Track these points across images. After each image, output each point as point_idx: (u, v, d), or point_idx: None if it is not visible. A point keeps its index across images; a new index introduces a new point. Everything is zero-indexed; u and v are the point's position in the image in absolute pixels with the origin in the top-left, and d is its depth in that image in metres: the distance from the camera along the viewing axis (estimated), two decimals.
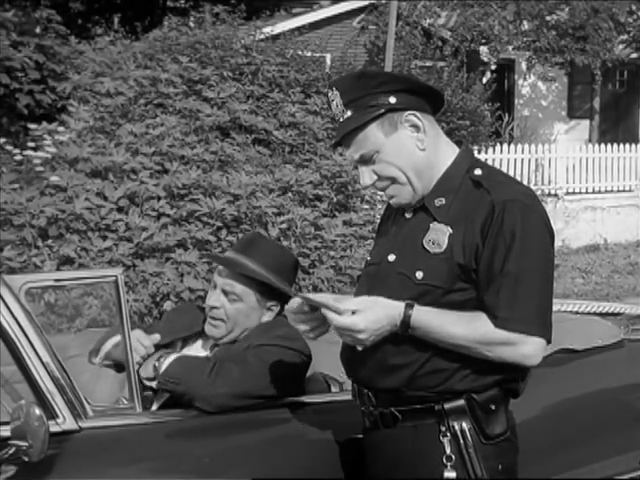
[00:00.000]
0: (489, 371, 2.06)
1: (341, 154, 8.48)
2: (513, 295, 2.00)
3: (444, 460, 2.07)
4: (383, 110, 2.09)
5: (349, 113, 2.11)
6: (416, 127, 2.12)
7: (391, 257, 2.16)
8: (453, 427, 2.08)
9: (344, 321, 2.02)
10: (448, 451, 2.07)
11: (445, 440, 2.07)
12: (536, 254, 2.03)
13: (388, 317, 2.03)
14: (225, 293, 2.64)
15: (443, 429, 2.08)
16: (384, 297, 2.09)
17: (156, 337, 2.55)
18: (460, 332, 2.02)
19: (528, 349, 2.02)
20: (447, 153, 2.17)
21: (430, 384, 2.08)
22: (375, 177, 2.14)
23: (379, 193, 2.30)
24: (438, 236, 2.08)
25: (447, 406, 2.08)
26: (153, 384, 2.42)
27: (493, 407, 2.09)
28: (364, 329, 2.02)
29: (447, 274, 2.05)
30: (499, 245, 2.01)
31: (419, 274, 2.07)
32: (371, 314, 2.03)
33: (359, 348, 2.08)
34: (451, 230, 2.07)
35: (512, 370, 2.07)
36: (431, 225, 2.10)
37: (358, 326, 2.02)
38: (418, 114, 2.11)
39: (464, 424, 2.08)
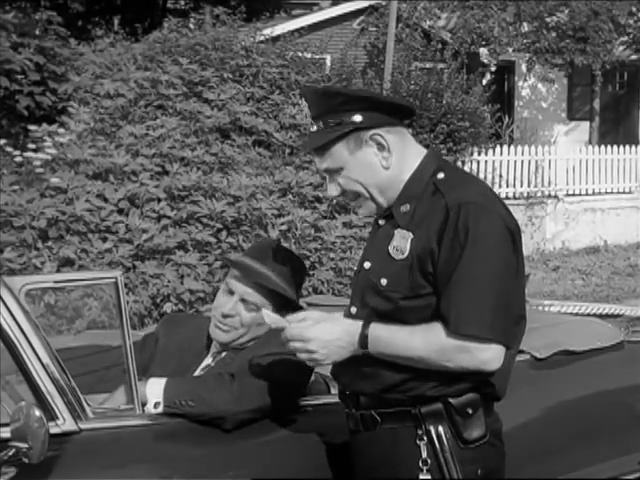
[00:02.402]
0: (459, 377, 2.05)
1: None
2: (465, 298, 1.98)
3: (420, 464, 2.07)
4: (348, 129, 2.10)
5: (317, 126, 2.14)
6: (381, 146, 2.12)
7: (366, 264, 2.18)
8: (430, 431, 2.07)
9: (293, 330, 2.08)
10: (424, 455, 2.07)
11: (421, 444, 2.07)
12: (491, 255, 2.00)
13: (343, 332, 2.07)
14: (244, 302, 2.60)
15: (420, 433, 2.08)
16: (359, 305, 2.15)
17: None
18: (417, 344, 2.01)
19: (485, 355, 1.99)
20: (414, 161, 2.16)
21: (404, 390, 2.08)
22: (340, 189, 2.18)
23: None
24: (401, 242, 2.08)
25: (424, 410, 2.08)
26: (159, 410, 2.31)
27: (470, 411, 2.08)
28: (313, 338, 2.05)
29: (409, 280, 2.05)
30: (455, 249, 2.00)
31: (384, 281, 2.09)
32: (323, 325, 2.08)
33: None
34: (412, 235, 2.07)
35: (483, 374, 2.05)
36: (395, 232, 2.11)
37: (306, 334, 2.06)
38: (383, 133, 2.11)
39: (440, 428, 2.07)
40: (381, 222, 2.19)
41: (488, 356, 2.00)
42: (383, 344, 2.05)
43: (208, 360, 2.68)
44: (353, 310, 2.19)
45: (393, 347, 2.04)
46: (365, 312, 2.13)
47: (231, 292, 2.62)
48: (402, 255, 2.07)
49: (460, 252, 1.99)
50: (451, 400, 2.07)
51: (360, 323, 2.07)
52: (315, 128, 2.16)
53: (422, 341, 2.02)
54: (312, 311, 2.19)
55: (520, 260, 2.10)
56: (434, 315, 2.04)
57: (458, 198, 2.03)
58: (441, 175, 2.12)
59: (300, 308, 2.69)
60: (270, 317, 2.18)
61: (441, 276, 2.02)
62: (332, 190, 2.19)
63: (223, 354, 2.66)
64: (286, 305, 2.61)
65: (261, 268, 2.61)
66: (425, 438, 2.07)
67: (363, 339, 2.05)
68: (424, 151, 2.19)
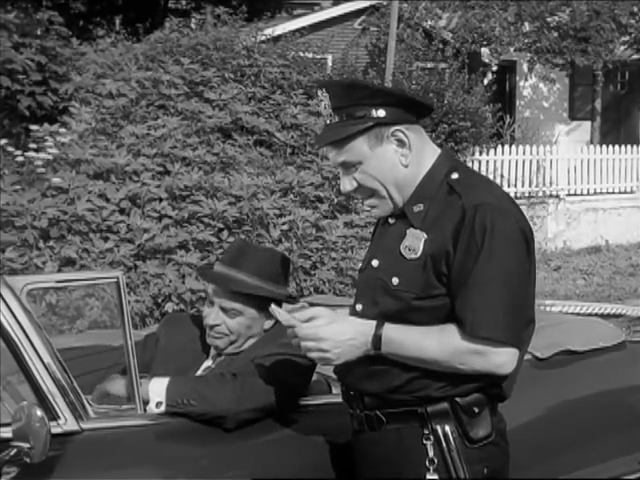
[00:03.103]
0: (466, 379, 2.05)
1: None
2: (480, 299, 1.98)
3: (427, 463, 2.06)
4: (371, 123, 2.08)
5: (336, 118, 2.12)
6: (402, 142, 2.11)
7: (374, 263, 2.17)
8: (436, 430, 2.07)
9: (306, 330, 2.06)
10: (431, 454, 2.06)
11: (428, 443, 2.07)
12: (505, 257, 2.00)
13: (357, 332, 2.05)
14: (224, 310, 2.61)
15: (426, 432, 2.07)
16: (367, 303, 2.13)
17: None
18: (431, 346, 2.01)
19: (500, 359, 2.00)
20: (429, 161, 2.15)
21: (410, 390, 2.08)
22: (355, 185, 2.15)
23: None
24: (414, 242, 2.07)
25: (430, 409, 2.07)
26: (161, 409, 2.32)
27: (477, 410, 2.08)
28: (327, 337, 2.04)
29: (421, 280, 2.04)
30: (471, 250, 1.99)
31: (395, 280, 2.08)
32: (336, 325, 2.06)
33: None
34: (426, 236, 2.06)
35: (494, 377, 2.05)
36: (408, 231, 2.10)
37: (320, 334, 2.04)
38: (404, 130, 2.10)
39: (447, 427, 2.07)
40: (391, 220, 2.18)
41: (502, 360, 2.00)
42: (396, 345, 2.04)
43: (209, 362, 2.68)
44: (359, 308, 2.18)
45: (406, 348, 2.03)
46: (374, 311, 2.12)
47: (212, 303, 2.64)
48: (414, 255, 2.06)
49: (477, 253, 1.98)
50: (457, 399, 2.07)
51: (373, 323, 2.06)
52: (335, 120, 2.12)
53: (436, 343, 2.01)
54: (319, 308, 2.16)
55: (533, 262, 2.10)
56: (445, 316, 2.04)
57: (475, 199, 2.02)
58: (455, 175, 2.11)
59: (292, 298, 2.69)
60: (281, 314, 2.16)
61: (456, 277, 2.01)
62: (346, 185, 2.16)
63: (223, 356, 2.66)
64: (271, 303, 2.61)
65: (234, 274, 2.60)
66: (432, 437, 2.07)
67: (376, 340, 2.04)
68: (438, 150, 2.19)
